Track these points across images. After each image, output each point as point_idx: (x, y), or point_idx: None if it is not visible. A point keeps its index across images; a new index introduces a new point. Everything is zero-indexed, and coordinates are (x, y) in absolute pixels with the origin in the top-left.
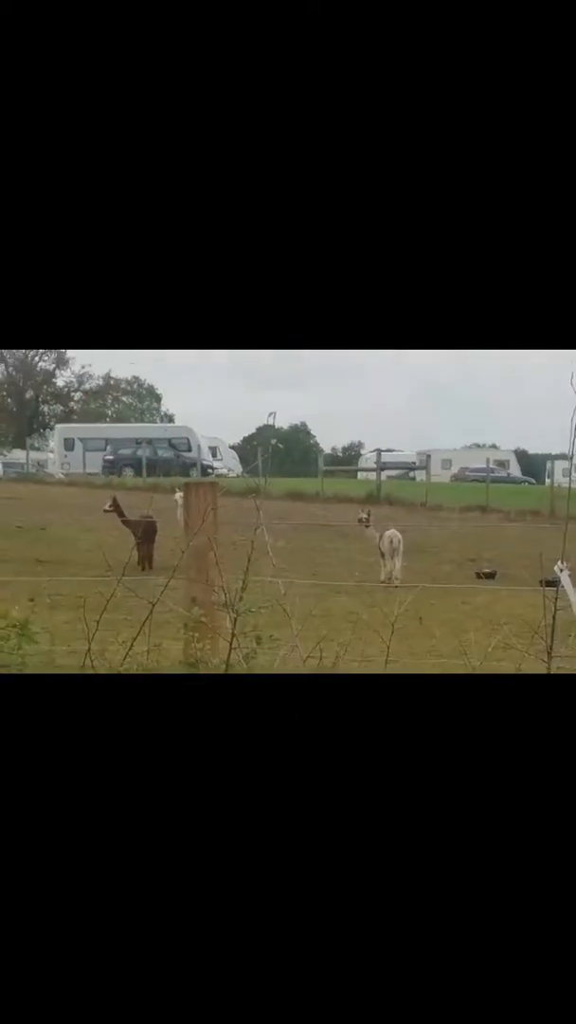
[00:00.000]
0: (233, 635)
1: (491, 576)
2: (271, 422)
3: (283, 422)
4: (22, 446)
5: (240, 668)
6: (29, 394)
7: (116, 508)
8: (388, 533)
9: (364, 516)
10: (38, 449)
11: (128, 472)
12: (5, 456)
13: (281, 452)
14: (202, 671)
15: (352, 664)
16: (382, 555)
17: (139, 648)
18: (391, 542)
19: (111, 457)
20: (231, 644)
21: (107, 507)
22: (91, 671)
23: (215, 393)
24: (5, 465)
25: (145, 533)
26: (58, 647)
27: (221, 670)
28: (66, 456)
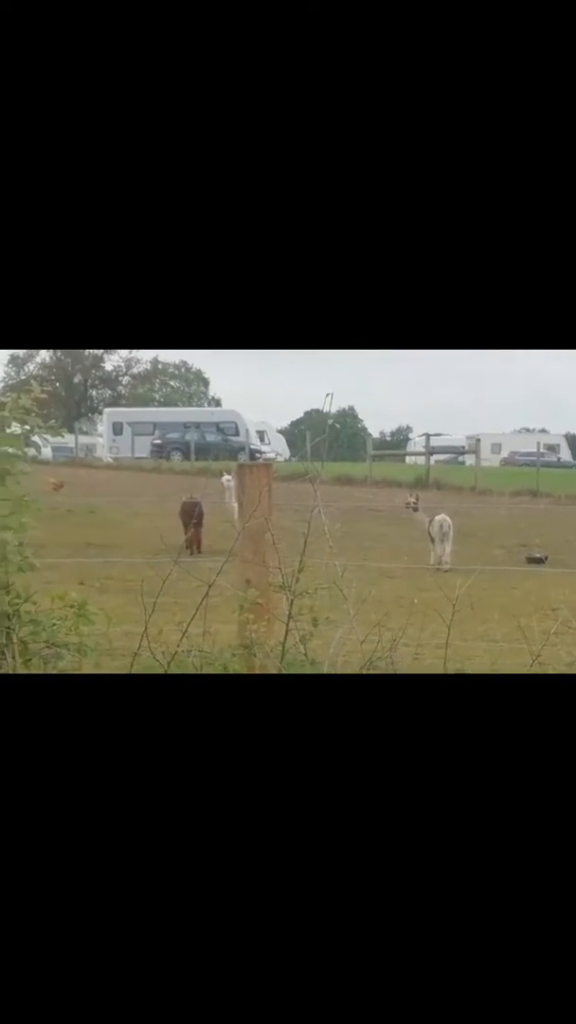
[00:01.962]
0: (290, 616)
1: (541, 561)
2: (327, 403)
3: (331, 406)
4: (71, 430)
5: (296, 650)
6: (77, 378)
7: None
8: (438, 518)
9: (412, 500)
10: (86, 433)
11: (176, 456)
12: (52, 439)
13: (331, 435)
14: (257, 653)
15: (406, 648)
16: (431, 540)
17: (193, 630)
18: (441, 527)
19: (159, 441)
20: (287, 626)
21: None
22: (147, 653)
23: (261, 377)
24: (54, 449)
25: (191, 515)
26: (114, 628)
27: (278, 652)
28: (114, 440)
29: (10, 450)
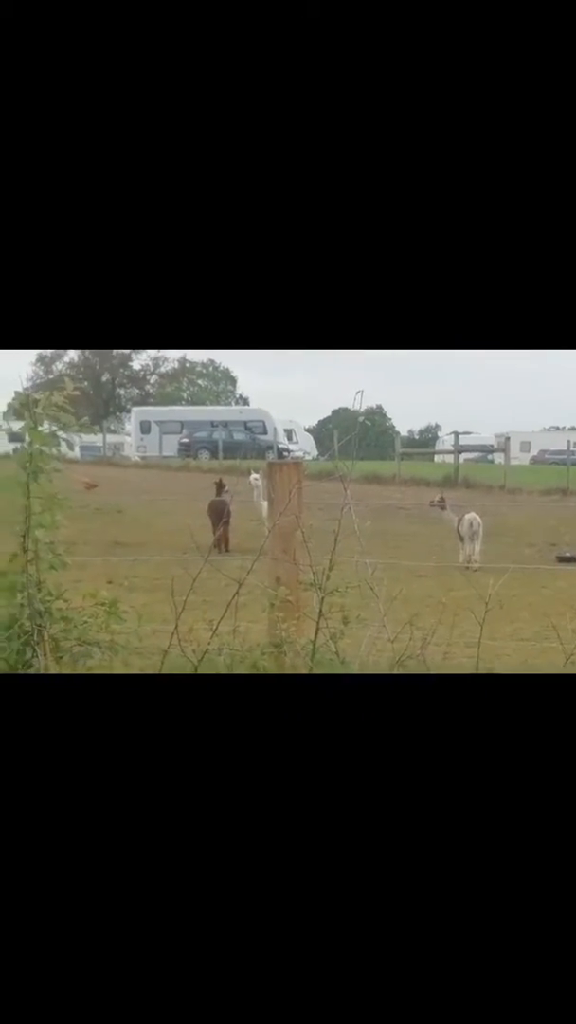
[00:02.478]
0: (320, 615)
1: (572, 560)
2: (357, 401)
3: (359, 404)
4: (99, 429)
5: (327, 648)
6: (105, 377)
7: (219, 488)
8: (467, 517)
9: (437, 500)
10: (114, 432)
11: (204, 455)
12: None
13: (360, 433)
14: (287, 651)
15: (435, 648)
16: (461, 539)
17: (222, 628)
18: (470, 525)
19: (187, 440)
20: (318, 624)
21: (217, 482)
22: (178, 650)
23: (288, 376)
24: (82, 448)
25: (218, 514)
26: (148, 626)
27: (308, 650)
28: (142, 439)
29: (43, 448)
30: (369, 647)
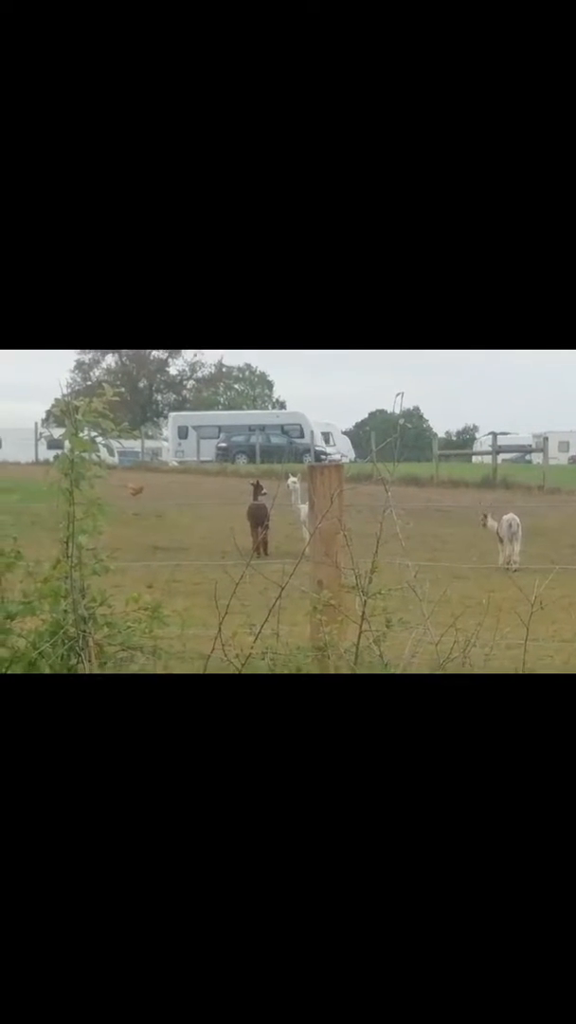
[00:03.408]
0: (363, 618)
1: None
2: (397, 403)
3: (398, 406)
4: (137, 435)
5: (371, 651)
6: (142, 383)
7: (256, 490)
8: (506, 517)
9: (483, 517)
10: (152, 437)
11: (241, 459)
12: (122, 443)
13: (400, 433)
14: (331, 655)
15: (476, 650)
16: (500, 539)
17: (263, 632)
18: (509, 526)
19: (224, 444)
20: (360, 627)
21: (252, 483)
22: (221, 655)
23: (324, 379)
24: (120, 454)
25: (256, 518)
26: (188, 630)
27: (352, 653)
28: (180, 444)
29: (84, 454)
30: (412, 650)
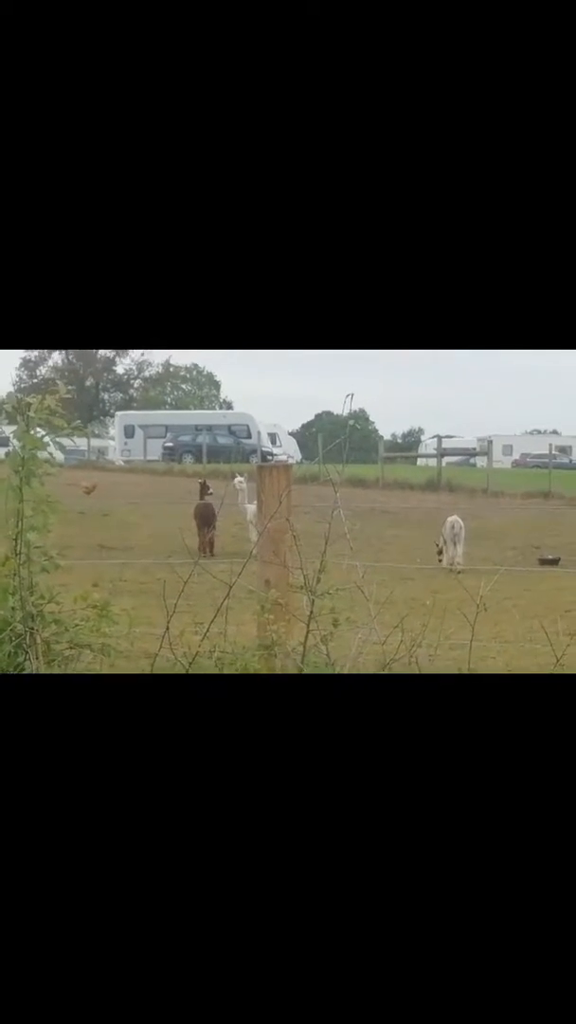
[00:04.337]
0: (311, 617)
1: (554, 562)
2: (347, 404)
3: (342, 408)
4: (82, 433)
5: (318, 650)
6: (89, 382)
7: (203, 489)
8: (450, 519)
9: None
10: (98, 436)
11: (188, 459)
12: (75, 441)
13: (348, 435)
14: (277, 654)
15: (420, 650)
16: (444, 541)
17: (210, 631)
18: (452, 528)
19: (171, 444)
20: (308, 626)
21: (201, 482)
22: (166, 654)
23: (270, 380)
24: (66, 452)
25: (204, 517)
26: (134, 629)
27: (299, 652)
28: (126, 443)
29: (35, 451)
30: (359, 649)
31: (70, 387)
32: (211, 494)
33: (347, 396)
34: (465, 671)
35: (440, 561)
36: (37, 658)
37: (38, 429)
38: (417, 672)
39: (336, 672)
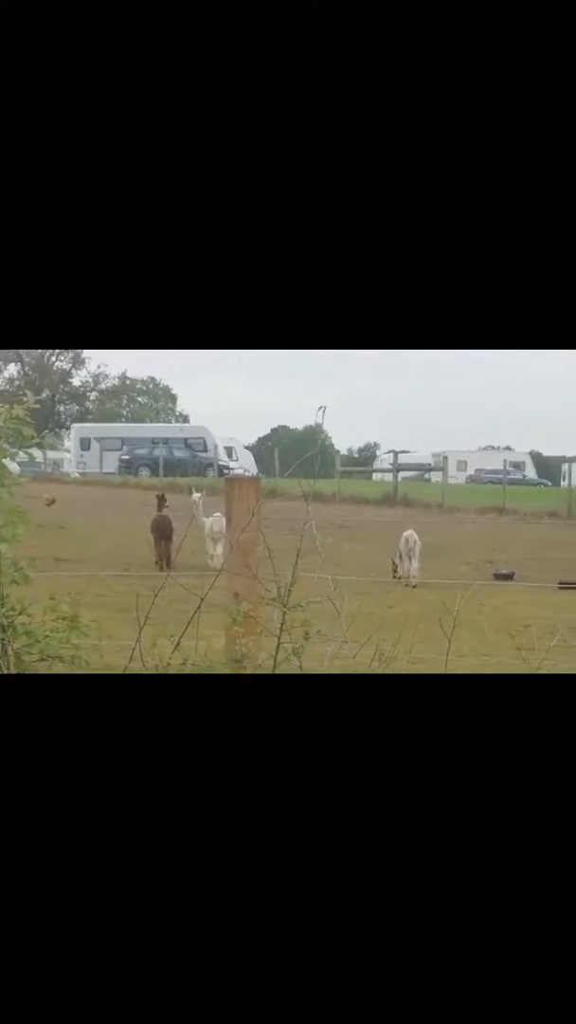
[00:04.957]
0: (282, 630)
1: (509, 577)
2: (320, 416)
3: (297, 423)
4: (38, 446)
5: (289, 663)
6: (45, 393)
7: (160, 502)
8: (405, 534)
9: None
10: (54, 448)
11: (144, 472)
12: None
13: (297, 451)
14: (248, 667)
15: (379, 664)
16: (400, 556)
17: (165, 644)
18: (407, 542)
19: (127, 457)
20: (279, 639)
21: (158, 495)
22: (139, 665)
23: (227, 395)
24: (21, 464)
25: (160, 531)
26: (105, 642)
27: (268, 666)
28: (82, 455)
29: (5, 461)
30: (329, 663)
31: (37, 397)
32: (167, 507)
33: (319, 408)
34: None
35: (395, 576)
36: (9, 669)
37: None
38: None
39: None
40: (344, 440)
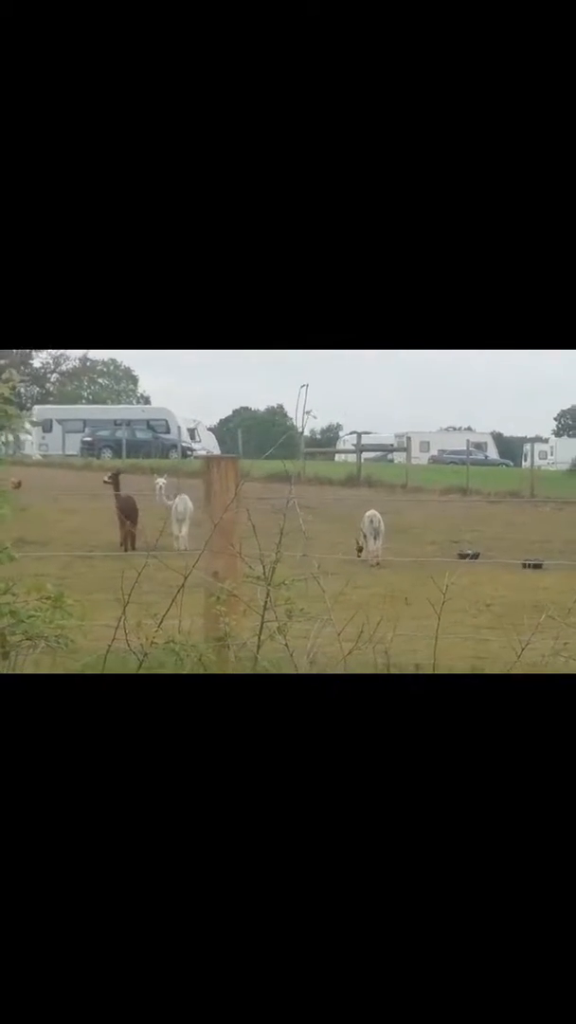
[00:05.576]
0: (266, 608)
1: (474, 557)
2: (302, 396)
3: (260, 404)
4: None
5: (273, 640)
6: (5, 375)
7: (115, 482)
8: (368, 513)
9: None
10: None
11: (107, 454)
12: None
13: (259, 433)
14: (231, 645)
15: (347, 643)
16: (364, 536)
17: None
18: (371, 522)
19: (90, 439)
20: (263, 616)
21: (107, 479)
22: (124, 646)
23: (189, 376)
24: None
25: (126, 512)
26: (88, 622)
27: (254, 643)
28: (44, 438)
29: None
30: (314, 640)
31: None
32: (110, 482)
33: (302, 386)
34: (432, 659)
35: (359, 555)
36: None
37: None
38: (386, 661)
39: (298, 664)
40: (307, 422)
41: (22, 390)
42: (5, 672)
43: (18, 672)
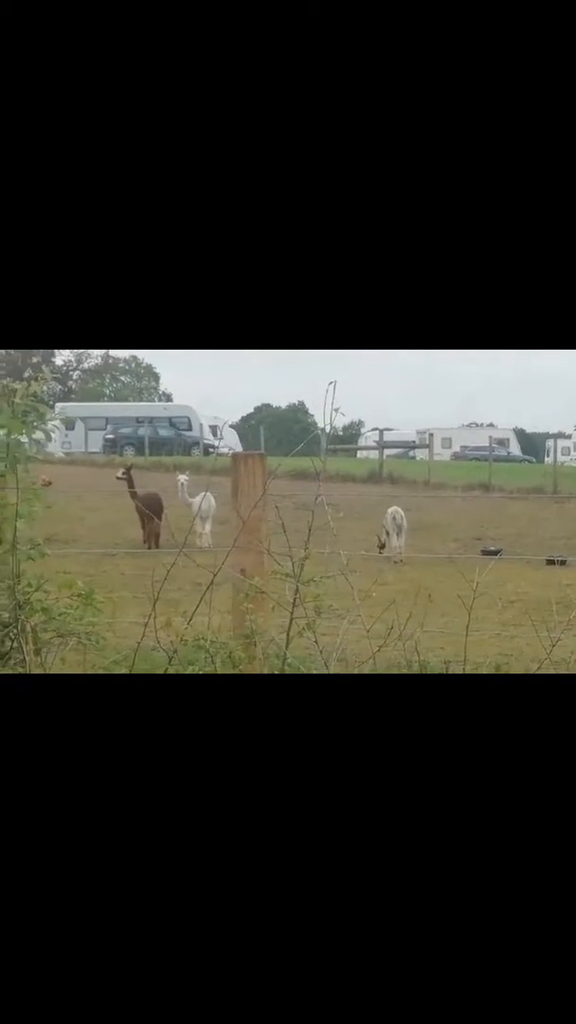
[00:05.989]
0: (295, 605)
1: (496, 554)
2: (331, 392)
3: (280, 401)
4: (56, 426)
5: (303, 637)
6: (28, 373)
7: (128, 478)
8: (391, 510)
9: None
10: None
11: (129, 451)
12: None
13: (280, 430)
14: (258, 642)
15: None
16: (386, 532)
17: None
18: (394, 518)
19: (112, 436)
20: (292, 613)
21: (120, 475)
22: (155, 643)
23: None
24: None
25: (151, 509)
26: (118, 619)
27: (283, 640)
28: (67, 435)
29: (22, 438)
30: (344, 637)
31: (7, 378)
32: (123, 477)
33: (330, 384)
34: (462, 656)
35: (381, 552)
36: (28, 644)
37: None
38: (416, 659)
39: (327, 662)
40: (327, 418)
41: (44, 387)
42: (38, 671)
43: (49, 671)
